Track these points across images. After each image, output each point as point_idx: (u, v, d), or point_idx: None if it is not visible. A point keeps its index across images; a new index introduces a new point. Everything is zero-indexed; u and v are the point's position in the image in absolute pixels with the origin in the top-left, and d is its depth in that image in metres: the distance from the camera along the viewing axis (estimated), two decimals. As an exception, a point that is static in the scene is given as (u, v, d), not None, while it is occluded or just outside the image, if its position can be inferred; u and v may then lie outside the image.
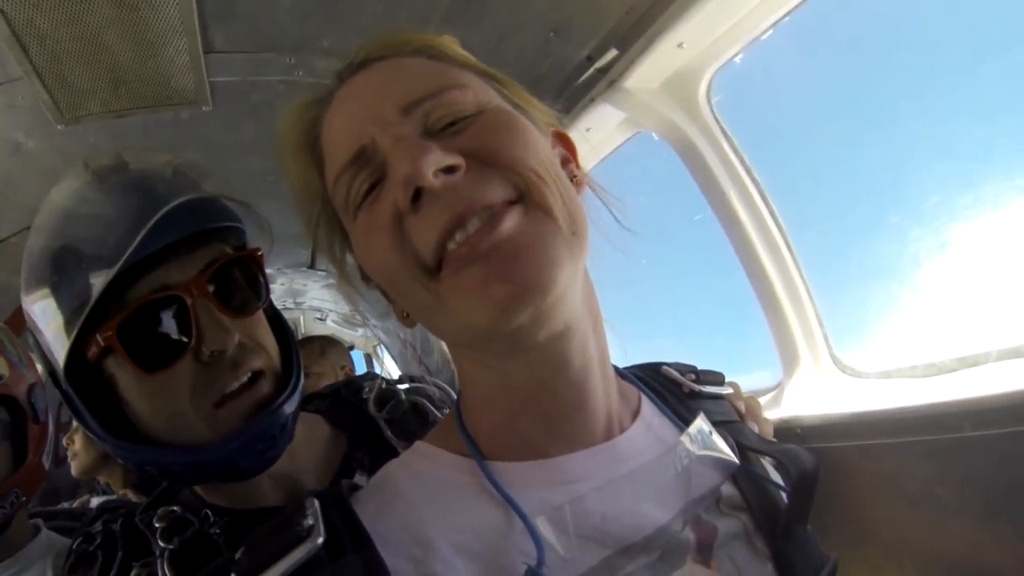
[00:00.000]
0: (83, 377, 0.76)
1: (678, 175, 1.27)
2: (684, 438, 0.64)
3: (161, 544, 0.77)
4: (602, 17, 1.18)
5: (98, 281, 0.68)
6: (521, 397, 0.58)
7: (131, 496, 2.13)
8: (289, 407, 0.77)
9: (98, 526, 1.31)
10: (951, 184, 1.26)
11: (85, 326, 0.71)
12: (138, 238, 0.68)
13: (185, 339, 0.71)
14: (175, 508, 0.80)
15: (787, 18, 1.19)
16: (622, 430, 0.62)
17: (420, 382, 1.03)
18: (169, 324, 0.72)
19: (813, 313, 1.28)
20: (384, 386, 0.98)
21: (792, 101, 1.37)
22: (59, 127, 1.57)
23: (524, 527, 0.53)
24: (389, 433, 0.91)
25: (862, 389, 1.24)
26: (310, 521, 0.52)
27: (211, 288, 0.74)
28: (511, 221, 0.49)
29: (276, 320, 0.87)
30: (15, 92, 1.47)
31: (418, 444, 0.65)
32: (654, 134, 1.29)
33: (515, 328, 0.50)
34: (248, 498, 0.82)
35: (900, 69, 1.33)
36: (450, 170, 0.50)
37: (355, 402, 0.98)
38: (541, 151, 0.54)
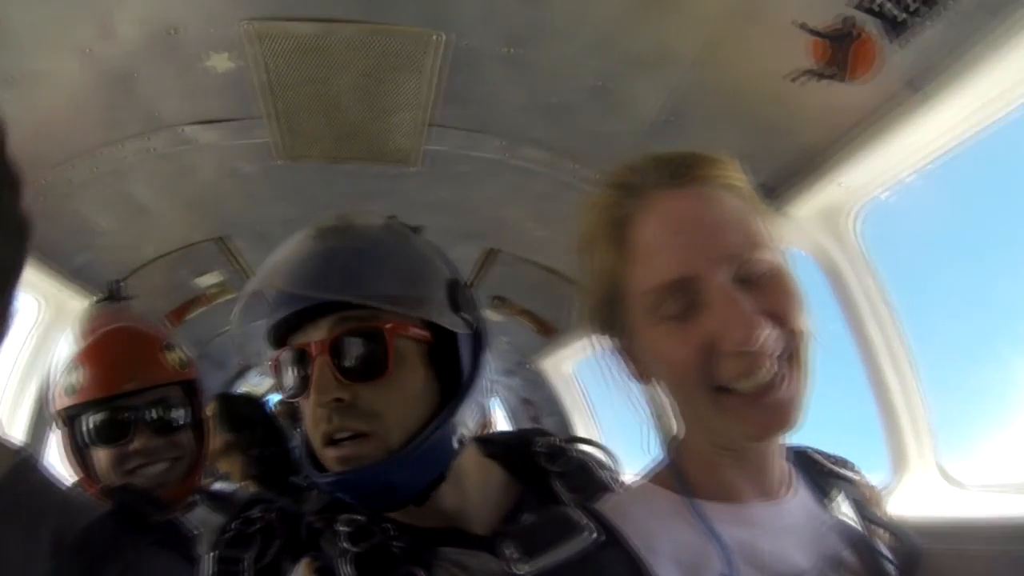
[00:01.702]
0: None
1: (817, 287, 1.48)
2: (828, 501, 0.84)
3: (346, 545, 0.86)
4: (780, 153, 1.41)
5: (274, 317, 0.89)
6: (729, 460, 0.79)
7: (251, 487, 2.30)
8: (386, 475, 0.85)
9: (257, 512, 1.46)
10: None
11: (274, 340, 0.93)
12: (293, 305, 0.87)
13: (306, 384, 0.88)
14: (359, 517, 0.90)
15: (930, 166, 1.41)
16: (786, 493, 0.82)
17: (587, 443, 1.14)
18: (301, 369, 0.88)
19: (926, 425, 1.45)
20: (556, 443, 1.09)
21: (928, 235, 1.58)
22: (278, 162, 1.85)
23: (719, 551, 0.71)
24: (559, 486, 1.01)
25: (964, 499, 1.40)
26: (585, 520, 0.71)
27: (336, 350, 0.85)
28: (784, 386, 0.70)
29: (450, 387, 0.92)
30: (252, 128, 1.76)
31: (642, 480, 0.85)
32: (803, 252, 1.51)
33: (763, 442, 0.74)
34: (421, 519, 0.93)
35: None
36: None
37: (526, 454, 1.08)
38: (806, 311, 0.72)
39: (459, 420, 0.89)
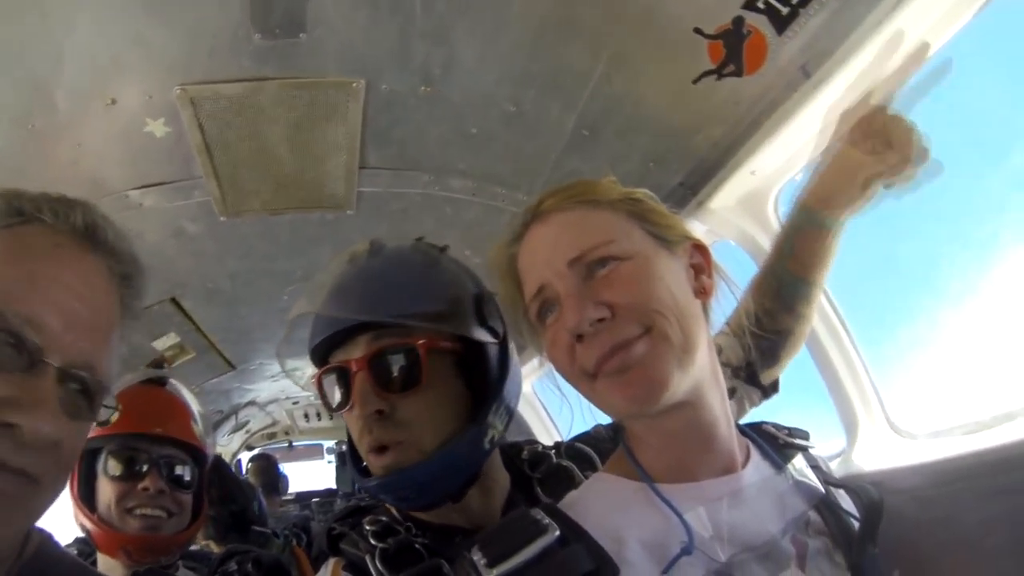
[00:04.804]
0: None
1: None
2: (787, 469, 0.90)
3: (373, 542, 0.92)
4: (692, 151, 1.50)
5: (314, 340, 0.98)
6: (669, 439, 0.83)
7: (213, 547, 2.28)
8: (422, 476, 0.92)
9: (232, 565, 1.51)
10: (971, 271, 1.54)
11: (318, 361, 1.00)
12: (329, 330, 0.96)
13: (349, 398, 0.95)
14: (383, 517, 0.97)
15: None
16: (742, 465, 0.87)
17: (575, 446, 1.18)
18: (343, 384, 0.96)
19: (870, 385, 1.53)
20: (539, 450, 1.16)
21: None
22: (222, 219, 1.88)
23: (681, 526, 0.76)
24: (539, 491, 1.07)
25: (916, 448, 1.48)
26: (546, 520, 0.74)
27: (374, 366, 0.93)
28: (638, 350, 0.76)
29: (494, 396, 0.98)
30: (194, 188, 1.80)
31: (600, 473, 0.90)
32: (731, 241, 1.59)
33: (644, 412, 0.78)
34: (445, 517, 0.99)
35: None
36: (599, 319, 0.77)
37: (515, 461, 1.13)
38: (665, 291, 0.78)
39: (489, 423, 0.95)
